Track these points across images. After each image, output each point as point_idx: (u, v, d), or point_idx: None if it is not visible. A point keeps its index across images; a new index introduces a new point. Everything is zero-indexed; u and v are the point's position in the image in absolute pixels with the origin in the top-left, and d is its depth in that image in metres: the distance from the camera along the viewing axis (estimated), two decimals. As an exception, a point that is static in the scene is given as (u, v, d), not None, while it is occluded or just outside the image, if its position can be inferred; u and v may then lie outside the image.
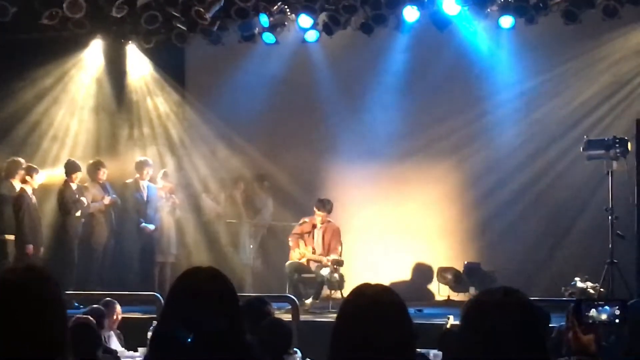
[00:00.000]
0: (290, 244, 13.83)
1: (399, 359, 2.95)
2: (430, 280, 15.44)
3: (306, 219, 13.84)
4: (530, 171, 14.97)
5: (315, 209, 13.80)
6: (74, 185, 14.00)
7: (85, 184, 14.45)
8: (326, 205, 13.76)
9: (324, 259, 13.40)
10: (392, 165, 15.79)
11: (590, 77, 14.81)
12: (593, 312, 3.86)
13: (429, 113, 15.52)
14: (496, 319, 2.98)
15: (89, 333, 6.68)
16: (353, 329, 2.97)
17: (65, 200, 13.86)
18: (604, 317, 3.85)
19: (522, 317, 3.02)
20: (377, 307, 2.98)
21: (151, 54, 16.20)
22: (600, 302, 3.92)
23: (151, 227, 14.78)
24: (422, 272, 15.52)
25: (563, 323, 6.27)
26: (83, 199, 14.00)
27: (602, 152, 12.46)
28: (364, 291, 3.08)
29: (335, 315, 3.13)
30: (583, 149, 12.69)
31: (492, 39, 15.33)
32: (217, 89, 16.35)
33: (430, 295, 15.37)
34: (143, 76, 16.52)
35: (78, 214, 14.03)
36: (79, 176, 14.18)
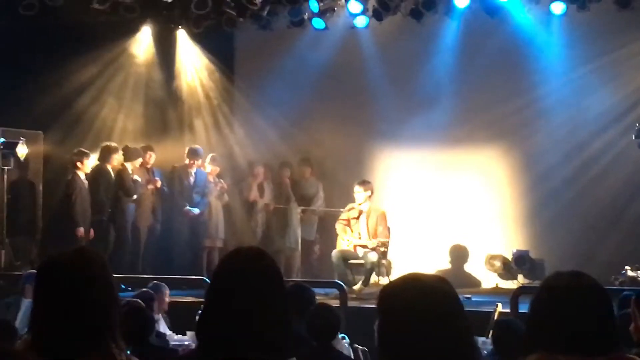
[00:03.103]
0: (338, 231, 13.76)
1: (455, 353, 2.82)
2: (478, 267, 15.37)
3: (354, 205, 13.74)
4: (580, 159, 14.83)
5: (355, 192, 13.59)
6: (129, 169, 14.15)
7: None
8: (364, 184, 13.58)
9: (369, 243, 13.30)
10: (441, 152, 15.73)
11: (642, 65, 14.66)
12: None
13: (477, 100, 15.43)
14: (569, 303, 2.94)
15: (142, 317, 6.73)
16: (404, 324, 2.83)
17: (128, 183, 13.97)
18: None
19: (595, 301, 2.99)
20: (430, 298, 2.87)
21: (201, 39, 16.27)
22: None
23: (195, 211, 14.81)
24: (470, 259, 15.45)
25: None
26: (138, 179, 14.16)
27: (654, 139, 12.35)
28: (413, 282, 2.87)
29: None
30: (635, 137, 12.56)
31: (543, 26, 15.21)
32: (266, 74, 16.36)
33: (478, 282, 15.30)
34: (192, 61, 16.58)
35: (134, 196, 14.18)
36: (139, 162, 14.36)
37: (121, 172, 14.06)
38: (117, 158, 14.05)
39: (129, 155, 14.23)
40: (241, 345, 3.01)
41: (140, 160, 14.44)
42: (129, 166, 14.17)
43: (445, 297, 2.82)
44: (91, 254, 3.31)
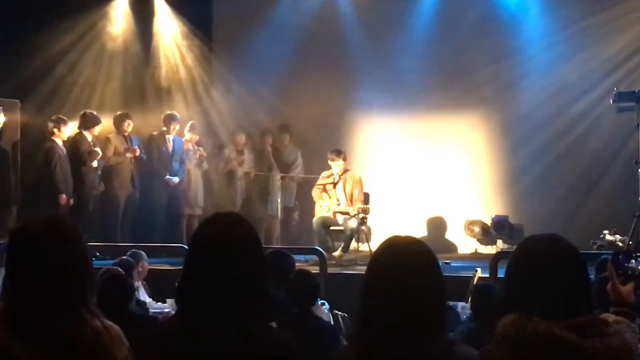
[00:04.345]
0: (314, 197, 13.73)
1: (431, 312, 2.94)
2: (457, 232, 15.42)
3: (331, 172, 13.70)
4: (559, 124, 14.85)
5: (329, 161, 13.60)
6: (89, 137, 13.97)
7: (109, 135, 14.45)
8: (340, 154, 13.55)
9: (350, 210, 13.30)
10: (420, 117, 15.72)
11: (621, 29, 14.62)
12: (633, 263, 3.79)
13: (457, 65, 15.41)
14: (547, 268, 2.95)
15: (122, 285, 6.72)
16: (385, 282, 2.95)
17: (81, 151, 13.81)
18: None
19: (573, 264, 2.99)
20: (409, 259, 2.97)
21: (178, 6, 16.17)
22: (639, 254, 3.84)
23: (175, 179, 14.75)
24: (450, 225, 15.50)
25: (592, 276, 6.23)
26: (97, 149, 13.97)
27: (632, 104, 12.29)
28: (394, 244, 3.06)
29: (363, 267, 3.11)
30: (613, 101, 12.54)
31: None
32: (245, 40, 16.28)
33: (457, 248, 15.36)
34: (170, 29, 16.46)
35: (95, 164, 14.02)
36: (98, 129, 14.15)
37: (75, 141, 13.92)
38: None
39: (86, 122, 13.96)
40: (220, 312, 3.01)
41: (99, 127, 14.17)
42: (88, 135, 13.98)
43: (420, 257, 2.94)
44: (63, 221, 3.29)
